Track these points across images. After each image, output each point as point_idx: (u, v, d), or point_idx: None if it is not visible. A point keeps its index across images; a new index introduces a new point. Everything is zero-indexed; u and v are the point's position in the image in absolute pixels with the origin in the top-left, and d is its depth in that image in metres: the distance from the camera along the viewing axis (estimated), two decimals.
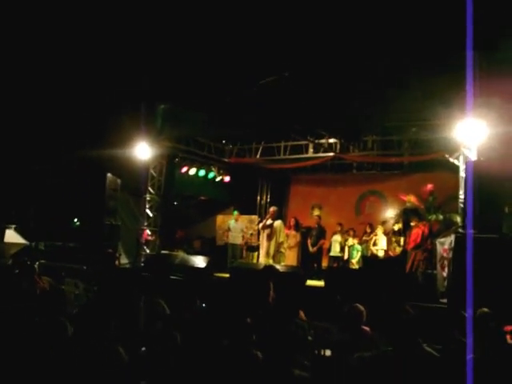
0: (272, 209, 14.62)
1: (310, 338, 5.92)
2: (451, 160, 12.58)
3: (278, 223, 14.31)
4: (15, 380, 3.79)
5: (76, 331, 4.49)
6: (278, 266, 12.70)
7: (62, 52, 11.49)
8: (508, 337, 6.16)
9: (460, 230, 10.16)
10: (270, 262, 13.59)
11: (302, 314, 6.90)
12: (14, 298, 6.82)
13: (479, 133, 10.64)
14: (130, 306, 6.59)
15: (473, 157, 10.84)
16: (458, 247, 9.36)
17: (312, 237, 14.91)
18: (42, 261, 12.91)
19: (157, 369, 4.08)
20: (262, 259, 14.07)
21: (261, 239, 14.57)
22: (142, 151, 15.02)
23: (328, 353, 6.12)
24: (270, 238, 14.10)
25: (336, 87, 11.37)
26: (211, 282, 11.95)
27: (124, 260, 16.07)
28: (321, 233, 14.89)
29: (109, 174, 14.33)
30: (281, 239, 14.28)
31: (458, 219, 10.99)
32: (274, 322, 5.84)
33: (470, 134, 10.77)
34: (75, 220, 16.72)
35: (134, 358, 3.96)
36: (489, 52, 8.55)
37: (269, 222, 14.13)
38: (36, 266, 12.34)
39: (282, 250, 14.39)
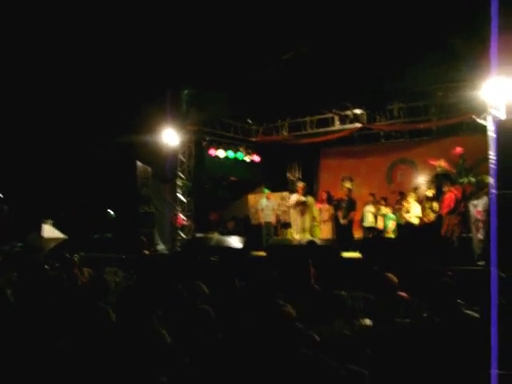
0: (301, 184, 14.62)
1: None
2: (479, 121, 12.41)
3: (310, 198, 14.35)
4: (64, 366, 3.91)
5: (119, 317, 4.61)
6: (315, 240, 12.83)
7: (88, 42, 11.61)
8: None
9: (494, 191, 10.06)
10: (307, 236, 13.66)
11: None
12: (56, 291, 6.95)
13: (506, 91, 10.47)
14: (169, 290, 6.71)
15: (501, 116, 10.69)
16: (498, 208, 9.26)
17: (342, 209, 14.88)
18: (81, 253, 13.15)
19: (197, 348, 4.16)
20: (297, 235, 14.10)
21: (292, 215, 14.57)
22: (170, 137, 15.12)
23: (368, 322, 6.15)
24: (303, 213, 14.12)
25: (357, 56, 11.29)
26: (248, 261, 12.05)
27: (161, 246, 16.27)
28: (351, 205, 14.85)
29: (139, 163, 14.48)
30: (315, 213, 14.33)
31: (491, 180, 10.85)
32: (315, 295, 5.89)
33: (496, 92, 10.60)
34: (110, 211, 16.99)
35: (177, 339, 4.06)
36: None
37: (301, 198, 14.15)
38: (75, 258, 12.62)
39: (316, 223, 14.44)
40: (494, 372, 3.36)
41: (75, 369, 3.99)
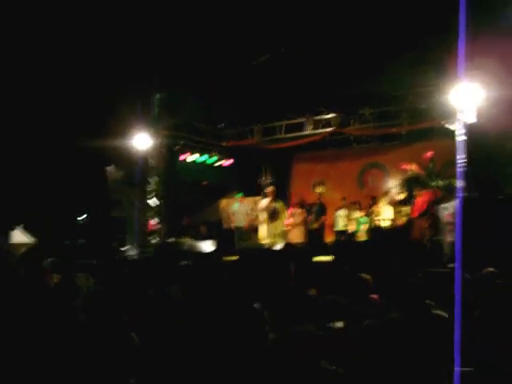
0: (271, 189, 14.62)
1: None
2: (447, 126, 12.58)
3: (279, 202, 14.36)
4: (30, 370, 3.86)
5: (88, 320, 4.57)
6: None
7: (60, 42, 11.48)
8: None
9: (462, 194, 10.18)
10: (279, 241, 13.67)
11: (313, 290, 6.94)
12: (25, 297, 6.86)
13: (474, 96, 10.61)
14: (140, 294, 6.67)
15: (469, 120, 10.83)
16: (463, 210, 9.38)
17: (312, 214, 14.97)
18: (51, 259, 12.98)
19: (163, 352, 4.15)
20: (267, 239, 14.09)
21: (262, 220, 14.54)
22: (141, 142, 15.02)
23: (339, 324, 6.17)
24: (274, 218, 14.11)
25: (331, 60, 11.36)
26: (220, 266, 12.02)
27: (133, 251, 16.15)
28: (321, 209, 14.96)
29: (109, 167, 14.39)
30: (284, 218, 14.35)
31: (458, 183, 10.98)
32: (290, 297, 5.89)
33: (464, 97, 10.73)
34: (80, 217, 16.83)
35: (146, 342, 4.04)
36: (480, 12, 8.52)
37: (272, 203, 14.14)
38: (46, 264, 12.45)
39: (287, 228, 14.48)
40: (457, 370, 3.40)
41: (46, 370, 3.95)
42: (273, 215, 14.11)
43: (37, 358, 3.95)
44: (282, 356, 3.62)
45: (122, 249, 13.68)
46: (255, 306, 4.38)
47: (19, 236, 13.44)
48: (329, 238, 15.62)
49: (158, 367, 3.89)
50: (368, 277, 5.89)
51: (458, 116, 11.27)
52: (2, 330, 4.67)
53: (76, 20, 10.70)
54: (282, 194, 15.65)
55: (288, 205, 15.19)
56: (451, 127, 12.31)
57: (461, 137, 11.11)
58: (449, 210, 10.68)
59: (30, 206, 15.38)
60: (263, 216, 14.40)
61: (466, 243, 8.68)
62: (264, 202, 14.40)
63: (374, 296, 5.89)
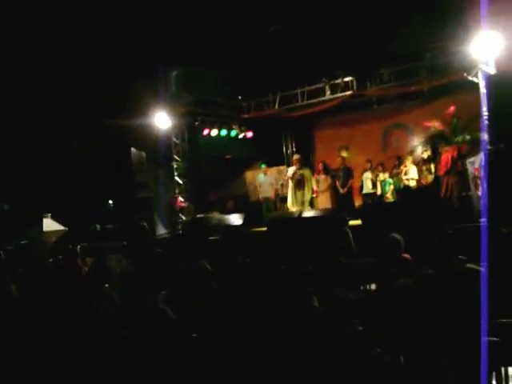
0: (296, 157, 14.54)
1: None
2: (470, 78, 12.34)
3: (307, 170, 14.29)
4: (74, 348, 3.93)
5: (123, 300, 4.62)
6: (313, 211, 12.84)
7: (74, 24, 11.49)
8: None
9: (488, 147, 10.05)
10: (307, 208, 13.66)
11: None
12: (61, 283, 6.96)
13: (495, 45, 10.39)
14: (172, 271, 6.72)
15: (491, 71, 10.62)
16: (490, 163, 9.28)
17: (340, 178, 14.88)
18: (84, 244, 13.15)
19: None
20: (295, 208, 14.06)
21: (290, 189, 14.49)
22: (162, 120, 15.05)
23: (373, 286, 6.17)
24: (301, 186, 14.06)
25: (343, 22, 11.20)
26: (249, 237, 12.07)
27: (162, 230, 16.28)
28: (348, 173, 14.85)
29: (133, 149, 14.45)
30: (313, 185, 14.29)
31: (486, 136, 10.83)
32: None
33: (485, 47, 10.51)
34: (110, 202, 16.97)
35: (183, 316, 4.07)
36: None
37: (298, 171, 14.08)
38: (78, 249, 12.61)
39: (315, 195, 14.44)
40: (484, 340, 3.36)
41: (81, 357, 4.01)
42: (299, 183, 14.05)
43: (73, 342, 4.01)
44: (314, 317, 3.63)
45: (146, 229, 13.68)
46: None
47: (50, 224, 13.60)
48: (357, 202, 15.56)
49: (197, 341, 3.92)
50: (399, 237, 5.84)
51: (480, 67, 11.06)
52: (39, 316, 4.75)
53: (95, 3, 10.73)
54: (306, 162, 15.56)
55: (313, 172, 15.10)
56: (474, 79, 12.09)
57: (484, 89, 10.97)
58: (476, 164, 10.54)
59: (57, 194, 15.53)
60: (290, 184, 14.35)
61: (496, 196, 8.59)
62: (290, 171, 14.33)
63: (406, 255, 5.86)
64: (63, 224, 13.73)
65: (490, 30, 10.12)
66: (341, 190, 14.80)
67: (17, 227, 14.03)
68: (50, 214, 13.77)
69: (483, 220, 9.32)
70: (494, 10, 8.96)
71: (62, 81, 13.42)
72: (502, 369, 3.97)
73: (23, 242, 13.25)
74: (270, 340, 3.72)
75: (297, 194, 14.10)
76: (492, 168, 9.32)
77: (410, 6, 10.52)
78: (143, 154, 14.92)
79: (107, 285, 6.48)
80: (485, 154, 9.69)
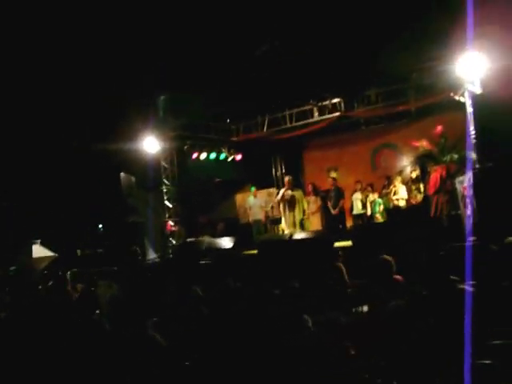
0: (287, 178, 14.56)
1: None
2: (457, 98, 12.44)
3: (298, 191, 14.31)
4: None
5: (113, 327, 4.56)
6: (303, 233, 12.82)
7: (66, 47, 11.48)
8: None
9: (476, 166, 10.10)
10: (298, 230, 13.64)
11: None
12: (51, 310, 6.90)
13: (480, 66, 10.49)
14: (162, 296, 6.67)
15: (478, 91, 10.72)
16: (477, 182, 9.33)
17: (331, 199, 14.88)
18: (74, 269, 13.04)
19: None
20: (288, 229, 14.06)
21: (282, 211, 14.51)
22: (151, 145, 15.07)
23: (365, 308, 6.13)
24: (292, 207, 14.08)
25: (330, 45, 11.28)
26: (240, 260, 12.02)
27: (153, 255, 16.21)
28: (339, 193, 14.85)
29: (122, 173, 14.43)
30: (304, 206, 14.29)
31: (473, 156, 10.89)
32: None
33: (471, 68, 10.62)
34: (99, 226, 16.89)
35: (172, 342, 4.03)
36: None
37: (288, 192, 14.08)
38: (68, 275, 12.49)
39: (306, 216, 14.42)
40: (468, 363, 3.34)
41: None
42: (290, 204, 14.06)
43: (62, 367, 3.96)
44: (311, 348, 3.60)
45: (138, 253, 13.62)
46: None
47: (39, 250, 13.49)
48: (348, 223, 15.57)
49: (186, 367, 3.88)
50: (390, 258, 5.83)
51: (467, 86, 11.16)
52: (29, 344, 4.69)
53: (80, 25, 10.72)
54: (295, 184, 15.58)
55: (304, 193, 15.13)
56: (461, 99, 12.19)
57: (470, 108, 11.06)
58: (464, 182, 10.58)
59: (47, 219, 15.43)
60: (282, 206, 14.38)
61: (485, 214, 8.63)
62: (280, 193, 14.35)
63: (398, 277, 5.84)
64: (53, 250, 13.62)
65: (475, 51, 10.23)
66: (332, 211, 14.79)
67: (5, 254, 13.91)
68: (39, 241, 13.67)
69: (469, 239, 9.35)
70: (479, 32, 9.06)
71: (50, 105, 13.38)
72: None
73: (12, 269, 13.15)
74: (262, 362, 3.69)
75: (288, 215, 14.11)
76: (479, 187, 9.37)
77: (396, 27, 10.61)
78: (133, 179, 14.91)
79: (97, 311, 6.43)
80: (472, 173, 9.74)
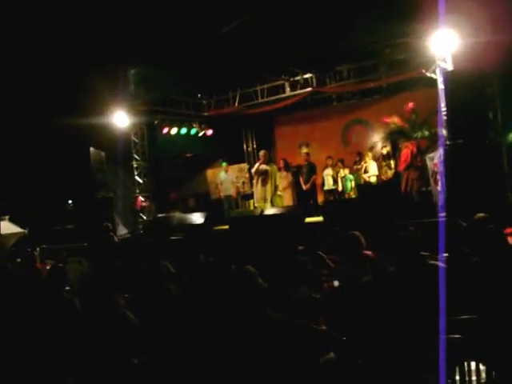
0: (262, 153, 14.42)
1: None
2: (428, 74, 12.48)
3: (272, 166, 14.22)
4: (31, 360, 3.83)
5: (84, 305, 4.52)
6: (275, 208, 12.82)
7: (32, 18, 11.19)
8: (510, 238, 6.21)
9: (447, 142, 10.16)
10: (268, 206, 13.60)
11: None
12: (19, 287, 6.82)
13: (452, 43, 10.50)
14: (134, 272, 6.63)
15: (449, 67, 10.75)
16: (448, 159, 9.41)
17: (303, 174, 14.86)
18: (44, 246, 12.92)
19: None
20: (259, 204, 14.02)
21: (254, 185, 14.43)
22: (120, 119, 14.88)
23: (336, 283, 6.16)
24: (265, 182, 13.98)
25: (301, 19, 11.19)
26: (211, 236, 12.01)
27: (123, 231, 16.11)
28: (311, 169, 14.82)
29: (91, 148, 14.24)
30: (277, 182, 14.21)
31: (444, 132, 10.96)
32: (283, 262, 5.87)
33: (443, 44, 10.62)
34: (69, 202, 16.70)
35: (145, 322, 4.00)
36: None
37: (263, 166, 13.98)
38: (37, 252, 12.37)
39: (279, 192, 14.35)
40: (442, 337, 3.37)
41: (44, 361, 3.91)
42: (264, 178, 13.96)
43: (33, 347, 3.91)
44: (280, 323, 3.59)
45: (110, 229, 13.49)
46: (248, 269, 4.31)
47: (7, 227, 13.29)
48: (320, 198, 15.61)
49: (159, 345, 3.86)
50: (358, 233, 5.86)
51: (438, 63, 11.19)
52: None
53: None
54: (269, 158, 15.55)
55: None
56: (432, 76, 12.23)
57: (442, 85, 11.11)
58: (435, 159, 10.66)
59: (15, 195, 15.20)
60: (255, 181, 14.29)
61: (455, 190, 8.71)
62: (256, 167, 14.19)
63: (368, 252, 5.88)
64: (21, 226, 13.45)
65: (447, 28, 10.23)
66: (304, 186, 14.78)
67: None
68: (7, 217, 13.48)
69: (442, 215, 9.45)
70: (451, 8, 9.06)
71: (14, 79, 13.06)
72: (465, 363, 3.99)
73: None
74: (233, 341, 3.68)
75: (259, 189, 14.03)
76: (450, 163, 9.45)
77: (368, 3, 10.56)
78: (102, 154, 14.72)
79: (67, 288, 6.37)
80: (443, 150, 9.81)
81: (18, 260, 10.02)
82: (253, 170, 14.37)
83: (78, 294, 5.51)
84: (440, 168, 10.11)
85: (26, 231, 13.40)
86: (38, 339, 4.16)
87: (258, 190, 14.13)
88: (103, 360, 3.74)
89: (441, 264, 4.40)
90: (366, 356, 3.62)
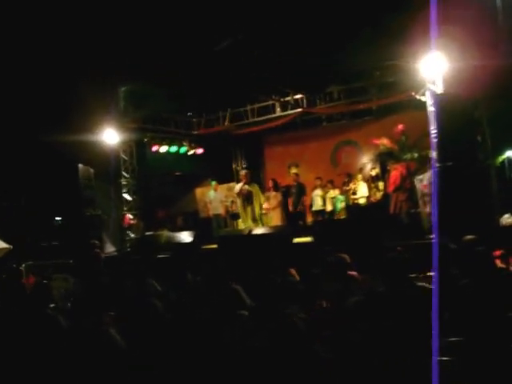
0: (244, 172, 14.39)
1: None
2: (418, 97, 12.56)
3: (254, 186, 14.17)
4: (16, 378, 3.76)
5: (71, 323, 4.44)
6: (263, 228, 12.77)
7: (22, 33, 11.17)
8: (498, 261, 6.22)
9: (437, 164, 10.20)
10: (258, 225, 13.56)
11: (293, 271, 6.89)
12: (4, 304, 6.73)
13: (442, 66, 10.59)
14: (120, 291, 6.56)
15: (439, 90, 10.82)
16: (438, 181, 9.42)
17: (292, 195, 14.84)
18: (29, 262, 12.79)
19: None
20: (245, 224, 13.97)
21: (240, 206, 14.39)
22: (110, 137, 14.84)
23: (324, 304, 6.11)
24: (249, 202, 13.95)
25: (293, 41, 11.25)
26: (200, 255, 11.93)
27: (111, 248, 16.00)
28: (301, 190, 14.81)
29: (80, 165, 14.19)
30: (261, 201, 14.16)
31: (433, 154, 11.00)
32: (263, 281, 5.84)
33: (433, 67, 10.71)
34: (56, 218, 16.61)
35: (131, 341, 3.94)
36: None
37: (245, 187, 13.94)
38: (22, 268, 12.24)
39: (264, 211, 14.31)
40: (435, 359, 3.34)
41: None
42: (248, 199, 13.93)
43: (15, 362, 3.84)
44: (268, 341, 3.55)
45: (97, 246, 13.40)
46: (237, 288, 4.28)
47: None
48: (308, 219, 15.59)
49: (145, 365, 3.79)
50: (344, 255, 5.85)
51: (428, 86, 11.26)
52: None
53: (40, 12, 10.46)
54: (256, 179, 15.55)
55: (264, 189, 15.09)
56: (422, 98, 12.30)
57: (432, 107, 11.17)
58: (424, 181, 10.70)
59: (1, 210, 15.10)
60: (240, 201, 14.25)
61: (444, 212, 8.70)
62: (237, 187, 14.19)
63: (353, 273, 5.85)
64: (7, 242, 13.32)
65: (437, 51, 10.31)
66: (290, 208, 14.76)
67: None
68: None
69: (433, 236, 9.43)
70: (442, 32, 9.12)
71: (4, 95, 13.01)
72: None
73: None
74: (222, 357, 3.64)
75: (247, 209, 13.99)
76: (440, 185, 9.47)
77: (359, 25, 10.63)
78: (91, 171, 14.66)
79: (52, 305, 6.28)
80: (434, 172, 9.84)
81: (3, 276, 9.91)
82: (236, 191, 14.32)
83: (62, 311, 5.44)
84: (431, 190, 10.14)
85: (11, 247, 13.28)
86: (20, 357, 4.09)
87: (244, 210, 14.09)
88: (88, 380, 3.68)
89: (429, 286, 4.38)
90: (355, 374, 3.58)
